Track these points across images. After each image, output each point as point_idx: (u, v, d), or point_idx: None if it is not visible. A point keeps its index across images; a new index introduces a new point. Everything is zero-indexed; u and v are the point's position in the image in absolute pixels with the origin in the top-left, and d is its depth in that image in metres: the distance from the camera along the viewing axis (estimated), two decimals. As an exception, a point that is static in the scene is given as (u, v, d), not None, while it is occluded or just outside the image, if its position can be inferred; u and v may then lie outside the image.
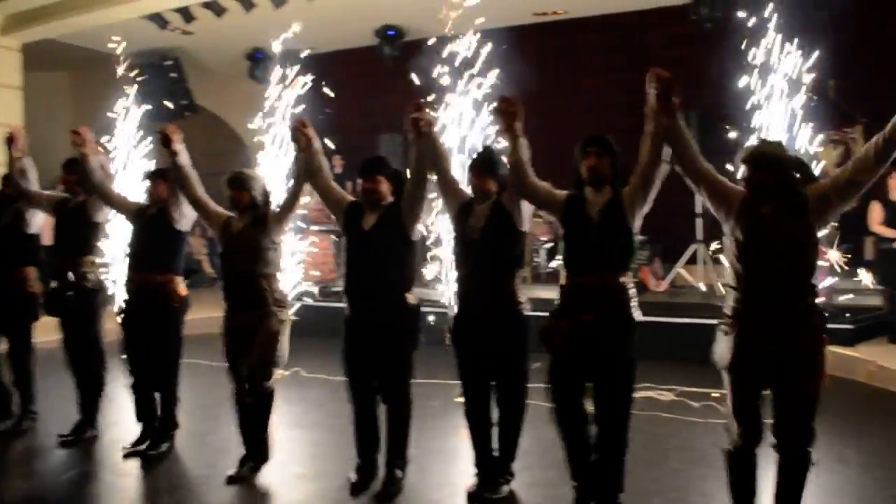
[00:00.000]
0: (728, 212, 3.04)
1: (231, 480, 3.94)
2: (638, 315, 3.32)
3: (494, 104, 3.41)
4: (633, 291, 3.33)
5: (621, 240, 3.30)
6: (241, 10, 8.98)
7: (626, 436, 3.31)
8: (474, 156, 3.82)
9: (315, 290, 7.42)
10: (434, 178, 3.75)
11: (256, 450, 4.09)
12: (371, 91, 10.93)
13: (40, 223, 4.98)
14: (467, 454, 4.42)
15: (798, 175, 3.01)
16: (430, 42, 5.81)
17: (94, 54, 11.15)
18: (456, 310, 3.77)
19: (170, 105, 10.40)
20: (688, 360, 5.61)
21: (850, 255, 6.24)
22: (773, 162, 2.94)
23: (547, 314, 3.38)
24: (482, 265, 3.61)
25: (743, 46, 5.80)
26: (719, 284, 7.71)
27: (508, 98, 3.40)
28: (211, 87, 12.16)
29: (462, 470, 4.08)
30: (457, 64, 5.47)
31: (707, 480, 3.87)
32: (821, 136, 6.31)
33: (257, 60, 11.08)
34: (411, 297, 3.75)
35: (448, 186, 3.76)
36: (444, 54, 5.54)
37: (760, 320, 2.92)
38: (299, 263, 6.63)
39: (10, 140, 4.76)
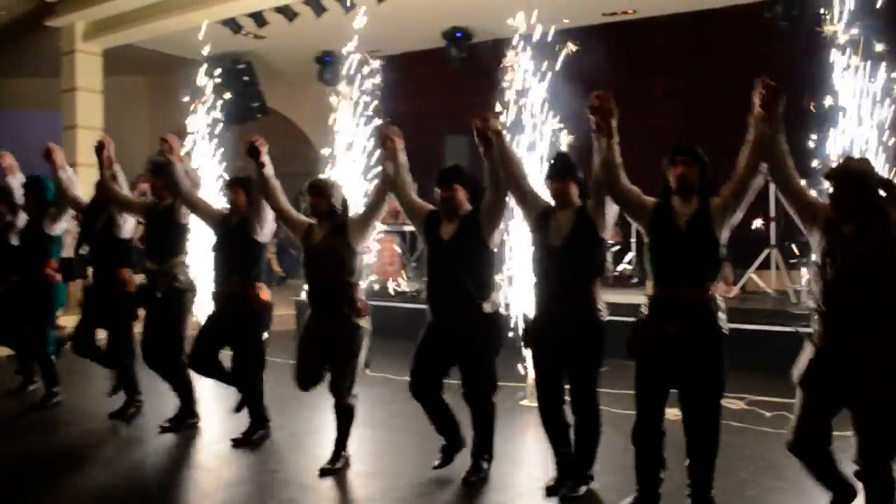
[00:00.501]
0: (813, 229, 3.03)
1: (324, 473, 4.07)
2: (725, 327, 3.29)
3: (589, 101, 3.36)
4: (721, 303, 3.31)
5: (708, 251, 3.27)
6: (312, 14, 9.17)
7: (716, 441, 3.31)
8: (551, 161, 3.82)
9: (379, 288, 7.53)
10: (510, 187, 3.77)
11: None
12: (438, 93, 11.02)
13: (132, 227, 5.21)
14: (533, 456, 4.45)
15: (885, 194, 2.94)
16: (497, 43, 5.82)
17: (171, 59, 11.58)
18: (533, 316, 3.77)
19: (242, 108, 10.70)
20: (759, 368, 5.49)
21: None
22: (857, 179, 2.91)
23: (633, 320, 3.40)
24: (565, 274, 3.60)
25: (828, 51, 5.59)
26: (792, 290, 7.50)
27: (603, 94, 3.34)
28: (281, 90, 12.46)
29: (529, 473, 4.10)
30: (524, 66, 5.45)
31: (778, 493, 3.79)
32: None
33: (326, 64, 11.29)
34: (488, 305, 3.80)
35: (525, 194, 3.76)
36: (512, 56, 5.53)
37: (839, 339, 2.90)
38: (366, 263, 6.74)
39: (101, 147, 4.99)
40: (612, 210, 3.54)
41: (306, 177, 4.64)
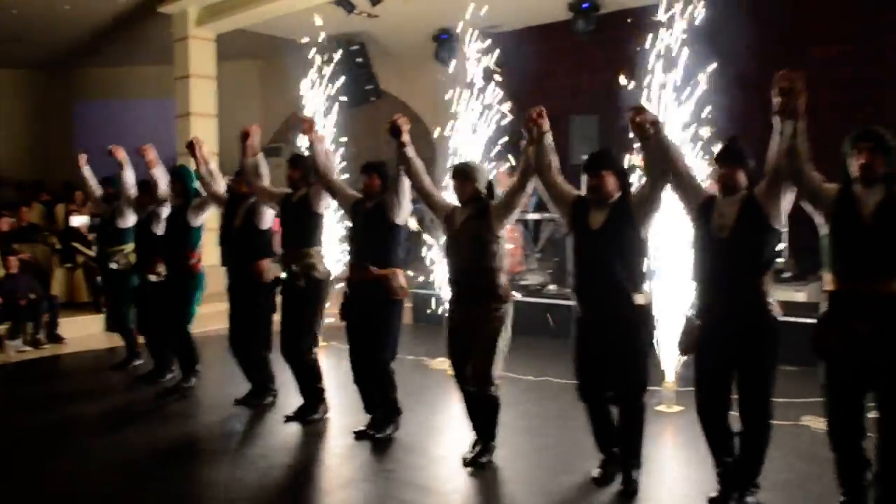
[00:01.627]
0: None
1: (467, 463, 4.22)
2: None
3: (774, 80, 3.27)
4: None
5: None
6: (428, -11, 9.27)
7: None
8: (721, 146, 3.73)
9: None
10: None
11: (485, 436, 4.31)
12: (563, 70, 10.91)
13: (271, 218, 5.51)
14: (672, 465, 4.39)
15: None
16: (628, 13, 5.69)
17: (282, 42, 12.00)
18: (696, 311, 3.71)
19: (356, 90, 10.98)
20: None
21: None
22: None
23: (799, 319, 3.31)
24: (731, 267, 3.52)
25: None
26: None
27: (790, 74, 3.25)
28: (395, 71, 12.68)
29: (665, 483, 4.05)
30: (666, 37, 5.31)
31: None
32: None
33: (443, 42, 11.40)
34: (640, 297, 3.80)
35: (684, 181, 3.71)
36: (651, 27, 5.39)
37: None
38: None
39: (245, 137, 5.29)
40: (788, 198, 3.44)
41: (423, 160, 4.71)
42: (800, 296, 6.70)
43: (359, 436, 4.75)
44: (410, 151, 4.40)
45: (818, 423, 4.82)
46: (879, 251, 3.15)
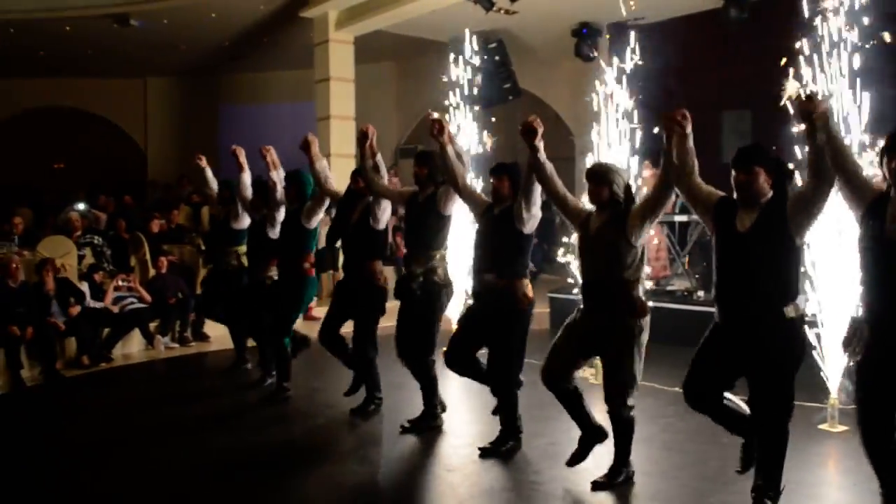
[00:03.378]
0: None
1: (596, 486, 4.11)
2: None
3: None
4: None
5: None
6: (569, -18, 9.19)
7: None
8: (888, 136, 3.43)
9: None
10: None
11: (593, 431, 4.25)
12: (713, 62, 10.54)
13: (387, 218, 5.57)
14: (833, 492, 4.15)
15: None
16: None
17: (419, 42, 12.24)
18: (863, 317, 3.46)
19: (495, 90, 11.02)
20: None
21: None
22: None
23: None
24: None
25: None
26: None
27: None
28: (533, 69, 12.65)
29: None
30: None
31: None
32: None
33: (584, 36, 11.26)
34: (791, 310, 3.57)
35: (855, 182, 3.42)
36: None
37: None
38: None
39: (364, 136, 5.34)
40: None
41: (561, 162, 4.63)
42: None
43: (484, 453, 4.68)
44: (542, 156, 4.28)
45: None
46: None
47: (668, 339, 5.70)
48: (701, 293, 8.17)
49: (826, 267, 5.03)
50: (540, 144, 4.27)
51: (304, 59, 12.23)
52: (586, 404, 4.28)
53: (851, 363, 3.59)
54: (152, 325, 8.26)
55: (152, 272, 8.93)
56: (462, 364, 4.80)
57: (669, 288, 8.44)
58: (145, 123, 16.32)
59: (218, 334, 8.53)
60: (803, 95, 3.53)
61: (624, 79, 6.76)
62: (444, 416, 5.28)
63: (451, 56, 8.68)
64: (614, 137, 6.69)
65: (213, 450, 5.00)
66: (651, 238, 8.88)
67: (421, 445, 4.98)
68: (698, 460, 4.52)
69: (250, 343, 6.99)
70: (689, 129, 3.76)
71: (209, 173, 7.12)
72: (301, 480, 4.45)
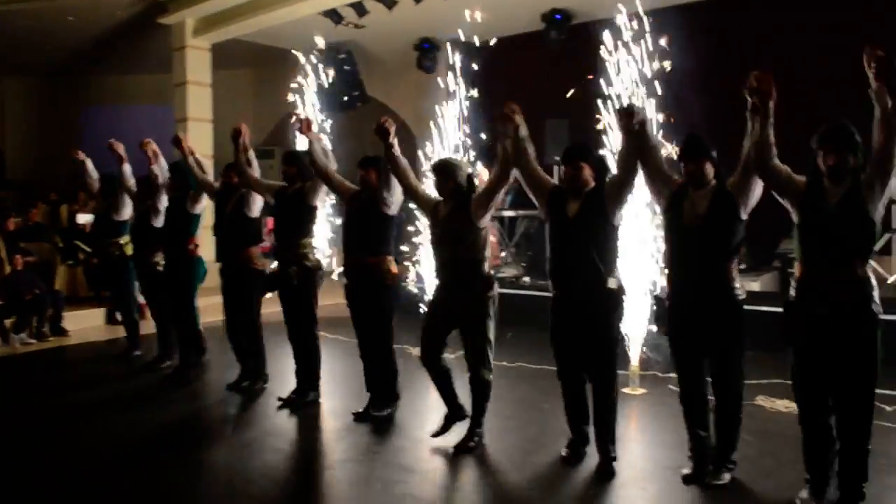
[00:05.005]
0: None
1: (457, 450, 4.19)
2: (879, 309, 3.20)
3: (749, 80, 3.28)
4: (874, 284, 3.21)
5: (861, 229, 3.18)
6: (412, 1, 9.25)
7: (869, 427, 3.25)
8: (684, 143, 3.73)
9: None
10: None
11: (457, 410, 4.36)
12: (537, 77, 10.90)
13: (260, 207, 5.55)
14: (635, 447, 4.40)
15: None
16: (597, 24, 5.72)
17: (274, 51, 11.95)
18: (668, 296, 3.75)
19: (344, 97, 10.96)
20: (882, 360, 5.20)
21: None
22: None
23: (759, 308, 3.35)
24: (701, 254, 3.55)
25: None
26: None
27: (763, 76, 3.27)
28: (380, 78, 12.65)
29: (630, 463, 4.06)
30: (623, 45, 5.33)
31: (900, 490, 3.60)
32: None
33: (425, 50, 11.38)
34: (612, 282, 3.81)
35: (659, 176, 3.73)
36: (612, 35, 5.41)
37: None
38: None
39: (237, 134, 5.31)
40: (757, 190, 3.48)
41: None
42: (754, 285, 6.75)
43: (357, 417, 4.76)
44: (396, 151, 4.39)
45: (772, 403, 4.88)
46: (843, 238, 3.17)
47: (500, 320, 5.87)
48: (527, 279, 8.46)
49: (626, 249, 5.32)
50: (394, 142, 4.36)
51: (163, 63, 11.68)
52: (454, 384, 4.37)
53: (660, 335, 3.87)
54: (8, 322, 7.64)
55: (7, 269, 8.27)
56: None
57: (500, 275, 8.68)
58: (2, 124, 15.08)
59: (78, 328, 8.06)
60: (628, 108, 3.74)
61: (459, 90, 6.89)
62: (323, 389, 5.29)
63: (303, 64, 8.56)
64: (452, 143, 6.81)
65: (99, 434, 4.76)
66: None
67: (293, 422, 4.94)
68: (523, 425, 4.69)
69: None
70: (519, 121, 3.92)
71: (90, 165, 6.84)
72: (174, 462, 4.25)
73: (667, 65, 5.26)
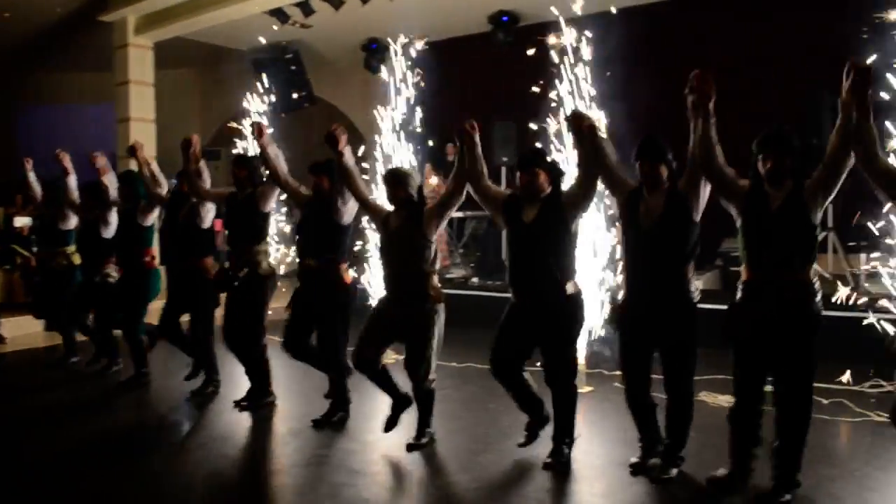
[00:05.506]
0: None
1: (410, 448, 4.19)
2: (821, 310, 3.30)
3: (690, 80, 3.35)
4: (816, 286, 3.30)
5: (802, 234, 3.26)
6: (358, 1, 9.20)
7: (807, 423, 3.35)
8: (640, 143, 3.74)
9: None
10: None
11: (402, 399, 4.35)
12: (485, 78, 10.94)
13: (212, 218, 5.45)
14: (582, 444, 4.44)
15: None
16: (544, 26, 5.78)
17: (220, 50, 11.76)
18: (623, 298, 3.78)
19: (291, 97, 10.84)
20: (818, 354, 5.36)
21: None
22: None
23: (709, 306, 3.44)
24: (656, 257, 3.59)
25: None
26: (850, 274, 7.31)
27: (702, 75, 3.33)
28: (328, 79, 12.54)
29: (577, 459, 4.10)
30: (571, 49, 5.40)
31: (834, 481, 3.72)
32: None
33: (373, 51, 11.32)
34: (570, 286, 3.82)
35: (615, 180, 3.76)
36: (557, 39, 5.48)
37: None
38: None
39: (188, 144, 5.21)
40: (705, 192, 3.53)
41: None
42: (698, 283, 6.85)
43: (316, 424, 4.69)
44: (348, 160, 4.34)
45: (714, 399, 4.98)
46: (785, 242, 3.25)
47: (448, 321, 5.86)
48: (475, 279, 8.49)
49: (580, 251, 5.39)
50: (346, 150, 4.30)
51: (104, 61, 11.38)
52: (393, 377, 4.36)
53: (612, 333, 3.93)
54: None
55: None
56: (296, 349, 4.76)
57: (448, 276, 8.70)
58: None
59: (16, 335, 7.80)
60: (576, 113, 3.83)
61: (406, 91, 6.88)
62: (276, 392, 5.24)
63: (249, 64, 8.44)
64: (397, 144, 6.79)
65: (42, 442, 4.62)
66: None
67: (245, 426, 4.87)
68: (470, 425, 4.70)
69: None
70: (477, 139, 3.97)
71: (32, 177, 6.64)
72: (119, 469, 4.15)
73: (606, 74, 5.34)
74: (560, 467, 3.85)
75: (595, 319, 5.68)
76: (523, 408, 4.11)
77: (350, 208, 4.62)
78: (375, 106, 7.07)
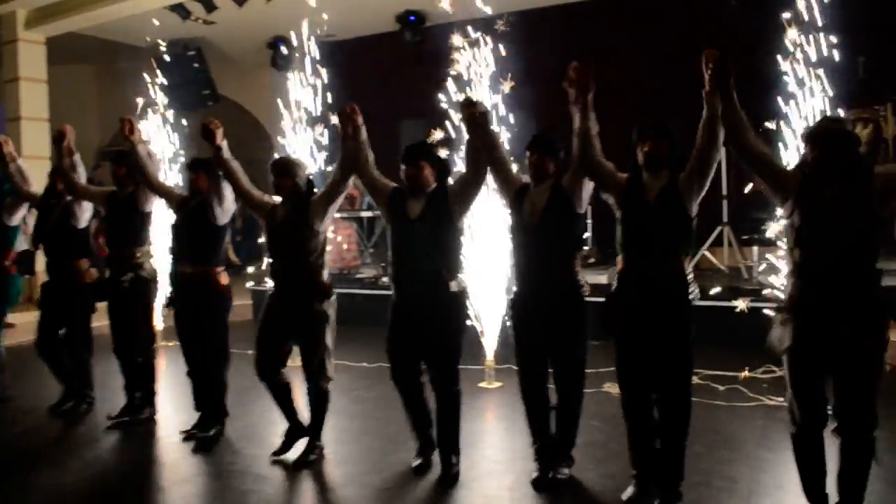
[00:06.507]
0: (785, 196, 2.98)
1: (298, 465, 4.02)
2: (696, 299, 3.32)
3: (568, 73, 3.34)
4: (690, 276, 3.33)
5: (678, 224, 3.29)
6: (262, -1, 9.02)
7: (687, 423, 3.32)
8: (532, 136, 3.74)
9: (337, 275, 7.47)
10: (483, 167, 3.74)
11: (299, 426, 4.19)
12: (393, 77, 10.92)
13: (88, 217, 5.10)
14: (492, 438, 4.48)
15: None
16: (451, 26, 5.80)
17: (118, 46, 11.29)
18: (514, 293, 3.76)
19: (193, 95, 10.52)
20: (713, 343, 5.54)
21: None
22: (839, 139, 2.86)
23: (603, 299, 3.41)
24: (542, 250, 3.59)
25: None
26: (745, 266, 7.66)
27: (580, 67, 3.33)
28: (233, 77, 12.25)
29: (487, 455, 4.13)
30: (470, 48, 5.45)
31: (731, 464, 3.87)
32: (849, 115, 6.16)
33: (278, 49, 11.12)
34: (454, 284, 3.74)
35: (504, 174, 3.74)
36: (463, 38, 5.52)
37: (820, 307, 2.88)
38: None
39: (61, 136, 4.87)
40: (588, 185, 3.54)
41: (260, 163, 4.56)
42: (602, 278, 7.06)
43: (186, 436, 4.49)
44: (224, 154, 4.14)
45: (617, 390, 5.10)
46: (661, 233, 3.27)
47: (358, 322, 5.83)
48: (386, 279, 8.44)
49: (481, 249, 5.42)
50: (223, 144, 4.13)
51: (-9, 58, 10.77)
52: (294, 399, 4.19)
53: (504, 337, 3.91)
54: None
55: None
56: (45, 349, 4.80)
57: (359, 276, 8.63)
58: None
59: None
60: (468, 99, 3.77)
61: (312, 89, 6.78)
62: (163, 401, 5.01)
63: (150, 61, 8.13)
64: (301, 141, 6.69)
65: None
66: (343, 232, 9.01)
67: (131, 439, 4.62)
68: (381, 425, 4.66)
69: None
70: (360, 123, 3.86)
71: None
72: (7, 487, 3.91)
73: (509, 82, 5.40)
74: (452, 479, 3.74)
75: (502, 313, 5.74)
76: (415, 424, 3.96)
77: (227, 209, 4.40)
78: (282, 104, 6.93)
